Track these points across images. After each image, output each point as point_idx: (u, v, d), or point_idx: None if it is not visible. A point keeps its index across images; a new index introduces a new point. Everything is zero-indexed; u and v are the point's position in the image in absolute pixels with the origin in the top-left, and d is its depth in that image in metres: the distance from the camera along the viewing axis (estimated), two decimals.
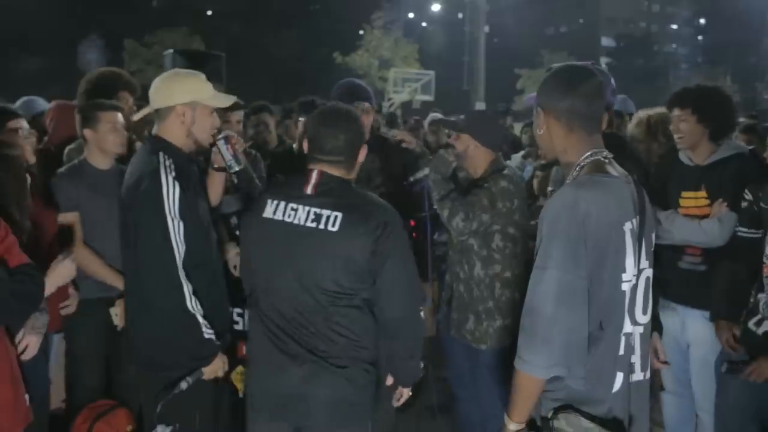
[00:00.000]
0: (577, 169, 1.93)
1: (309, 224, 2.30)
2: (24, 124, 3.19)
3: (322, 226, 2.28)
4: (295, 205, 2.33)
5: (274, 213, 2.36)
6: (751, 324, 2.90)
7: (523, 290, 3.21)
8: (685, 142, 3.29)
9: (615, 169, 1.95)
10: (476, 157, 3.26)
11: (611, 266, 1.84)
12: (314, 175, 2.35)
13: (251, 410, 2.47)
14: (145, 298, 2.54)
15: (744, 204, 3.06)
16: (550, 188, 4.58)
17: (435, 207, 3.19)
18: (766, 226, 2.94)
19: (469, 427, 3.51)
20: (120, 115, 3.42)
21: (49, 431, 2.96)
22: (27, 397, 2.42)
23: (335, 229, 2.27)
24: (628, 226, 1.87)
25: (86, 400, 3.34)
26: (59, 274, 2.51)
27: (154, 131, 2.72)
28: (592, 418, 1.82)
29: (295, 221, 2.32)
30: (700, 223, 3.16)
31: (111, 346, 3.47)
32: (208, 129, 2.72)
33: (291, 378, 2.34)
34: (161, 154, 2.59)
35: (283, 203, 2.36)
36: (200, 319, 2.54)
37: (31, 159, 3.16)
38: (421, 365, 2.51)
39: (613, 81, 3.30)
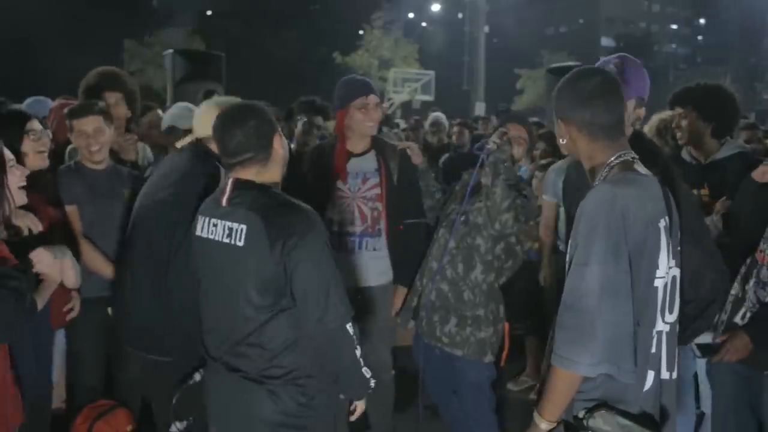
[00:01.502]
0: (607, 169, 1.93)
1: (224, 240, 2.23)
2: (37, 125, 3.16)
3: (233, 241, 2.20)
4: (215, 221, 2.28)
5: (201, 230, 2.33)
6: (737, 318, 2.88)
7: (502, 306, 3.13)
8: (687, 139, 3.32)
9: (642, 168, 1.96)
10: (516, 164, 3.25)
11: (647, 263, 1.84)
12: (228, 185, 2.28)
13: None
14: (169, 289, 2.61)
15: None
16: (545, 196, 4.59)
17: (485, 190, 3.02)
18: None
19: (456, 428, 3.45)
20: (92, 119, 3.36)
21: (49, 431, 2.96)
22: (19, 397, 2.38)
23: (241, 243, 2.17)
24: (662, 224, 1.88)
25: (86, 400, 3.34)
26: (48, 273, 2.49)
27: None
28: (628, 415, 1.81)
29: (216, 237, 2.26)
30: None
31: (111, 346, 3.47)
32: None
33: (220, 390, 2.32)
34: (204, 160, 2.70)
35: (207, 219, 2.31)
36: None
37: (41, 162, 3.04)
38: (368, 375, 2.33)
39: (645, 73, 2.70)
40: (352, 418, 2.53)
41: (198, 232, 2.34)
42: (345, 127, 3.41)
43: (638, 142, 2.22)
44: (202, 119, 2.76)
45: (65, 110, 3.54)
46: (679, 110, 3.33)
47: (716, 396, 3.08)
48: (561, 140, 2.05)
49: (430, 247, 3.33)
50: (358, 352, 2.26)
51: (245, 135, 2.22)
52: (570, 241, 1.93)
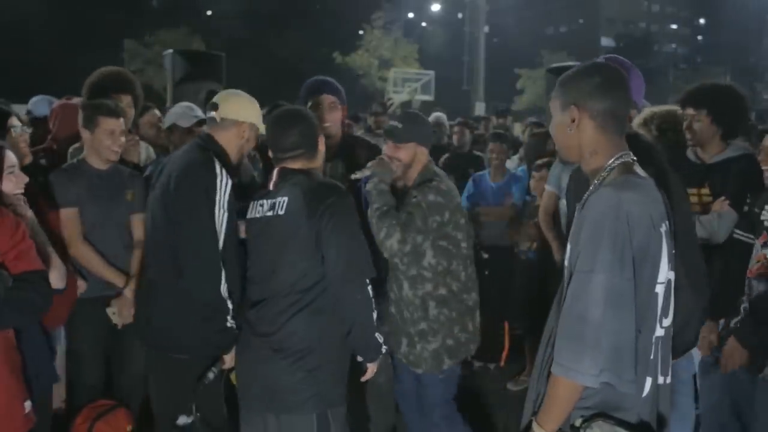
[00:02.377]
0: (607, 170, 1.89)
1: (267, 213, 2.58)
2: (15, 122, 3.16)
3: (274, 213, 2.55)
4: (262, 201, 2.63)
5: (251, 213, 2.68)
6: (732, 324, 2.92)
7: (462, 306, 3.04)
8: (696, 141, 3.29)
9: (641, 171, 1.93)
10: (420, 162, 3.06)
11: (649, 269, 1.81)
12: (275, 173, 2.63)
13: None
14: (182, 281, 2.69)
15: (745, 207, 3.06)
16: (548, 186, 4.59)
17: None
18: (756, 231, 2.95)
19: None
20: (121, 121, 3.40)
21: (50, 431, 2.96)
22: (28, 403, 2.35)
23: (282, 212, 2.52)
24: (663, 228, 1.85)
25: (86, 400, 3.34)
26: None
27: (207, 130, 2.90)
28: (625, 424, 1.78)
29: (260, 215, 2.62)
30: (700, 218, 3.14)
31: (111, 346, 3.48)
32: (248, 150, 3.01)
33: (250, 360, 2.61)
34: (213, 155, 2.76)
35: (256, 203, 2.67)
36: (229, 305, 2.69)
37: (26, 157, 3.10)
38: (380, 340, 2.63)
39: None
40: (363, 379, 2.76)
41: (249, 216, 2.69)
42: None
43: (634, 141, 2.19)
44: (234, 104, 2.86)
45: (88, 103, 3.53)
46: (690, 111, 3.25)
47: (705, 395, 3.12)
48: (568, 129, 1.93)
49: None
50: (374, 315, 2.56)
51: (300, 134, 2.62)
52: (569, 246, 1.90)
